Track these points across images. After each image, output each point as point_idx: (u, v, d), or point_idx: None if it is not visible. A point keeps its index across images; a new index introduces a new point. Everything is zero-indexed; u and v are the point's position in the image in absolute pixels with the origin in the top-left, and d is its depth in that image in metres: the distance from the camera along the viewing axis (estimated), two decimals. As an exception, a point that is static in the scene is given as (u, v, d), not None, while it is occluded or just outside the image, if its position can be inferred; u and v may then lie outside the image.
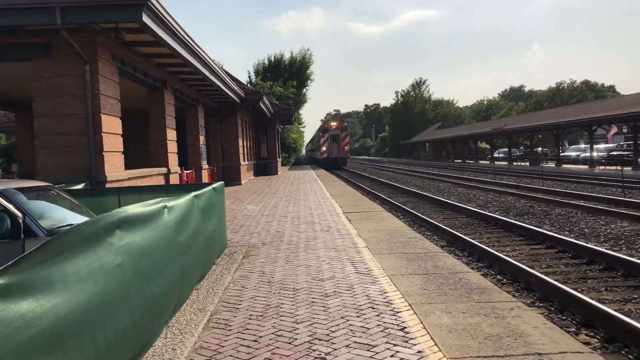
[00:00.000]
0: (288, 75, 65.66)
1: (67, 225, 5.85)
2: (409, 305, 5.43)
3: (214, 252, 8.03)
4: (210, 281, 6.88)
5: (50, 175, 10.74)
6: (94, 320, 3.22)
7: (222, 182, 9.41)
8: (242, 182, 28.09)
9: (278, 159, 41.43)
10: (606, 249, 9.77)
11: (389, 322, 4.94)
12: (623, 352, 5.31)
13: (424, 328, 4.73)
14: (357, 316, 5.14)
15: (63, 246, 3.08)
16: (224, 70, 22.57)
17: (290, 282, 6.68)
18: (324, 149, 54.67)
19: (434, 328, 4.72)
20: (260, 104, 28.91)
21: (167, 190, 10.34)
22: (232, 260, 8.16)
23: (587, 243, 10.26)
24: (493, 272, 8.77)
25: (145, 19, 10.32)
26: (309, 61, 70.42)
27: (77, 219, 6.27)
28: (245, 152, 31.29)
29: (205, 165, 22.64)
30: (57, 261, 2.93)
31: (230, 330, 4.97)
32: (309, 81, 71.06)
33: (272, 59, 68.90)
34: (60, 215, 6.31)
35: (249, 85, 43.51)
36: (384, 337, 4.56)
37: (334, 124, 56.68)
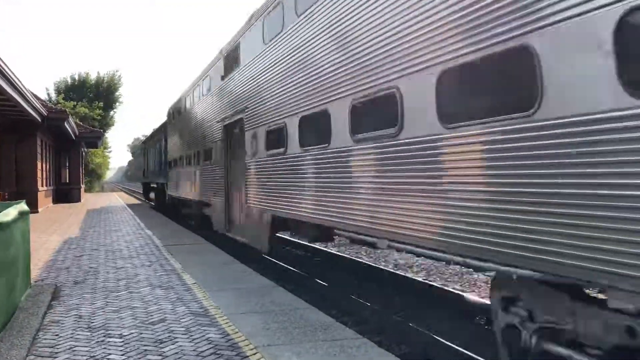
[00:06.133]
0: (94, 96, 61.54)
1: None
2: (255, 348, 5.10)
3: (17, 293, 6.86)
4: (15, 329, 5.80)
5: None
6: None
7: (26, 208, 8.08)
8: (40, 209, 25.10)
9: (81, 184, 38.09)
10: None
11: (237, 369, 4.56)
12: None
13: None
14: (201, 365, 4.67)
15: None
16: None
17: (115, 327, 5.91)
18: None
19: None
20: (66, 124, 26.40)
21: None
22: (38, 303, 7.03)
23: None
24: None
25: None
26: (118, 83, 66.93)
27: None
28: (45, 176, 28.17)
29: (-5, 189, 19.83)
30: None
31: (47, 391, 4.16)
32: (117, 103, 67.31)
33: (77, 77, 64.05)
34: None
35: (48, 104, 39.61)
36: (235, 387, 4.16)
37: None
